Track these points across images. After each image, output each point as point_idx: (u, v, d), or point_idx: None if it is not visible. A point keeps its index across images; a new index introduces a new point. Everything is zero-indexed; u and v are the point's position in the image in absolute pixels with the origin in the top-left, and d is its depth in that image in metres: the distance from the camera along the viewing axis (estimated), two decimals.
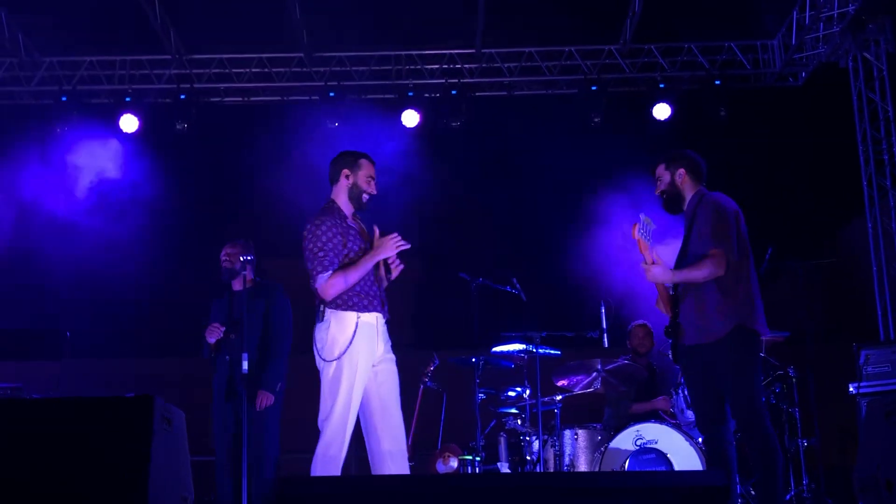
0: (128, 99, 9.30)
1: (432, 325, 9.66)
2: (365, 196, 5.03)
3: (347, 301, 4.88)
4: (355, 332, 4.85)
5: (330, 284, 4.82)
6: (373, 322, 4.92)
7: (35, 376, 7.49)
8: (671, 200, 5.18)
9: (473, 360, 7.14)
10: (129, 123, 9.24)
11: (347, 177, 5.04)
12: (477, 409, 7.04)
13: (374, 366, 4.92)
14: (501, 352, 7.30)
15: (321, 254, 4.83)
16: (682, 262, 5.07)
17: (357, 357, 4.82)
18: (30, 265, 8.64)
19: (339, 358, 4.80)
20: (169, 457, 3.43)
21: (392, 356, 5.05)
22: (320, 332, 4.91)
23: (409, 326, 9.87)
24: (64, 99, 9.24)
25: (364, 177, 5.04)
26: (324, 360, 4.85)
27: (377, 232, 5.06)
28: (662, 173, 5.21)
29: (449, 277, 7.80)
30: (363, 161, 5.08)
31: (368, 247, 4.98)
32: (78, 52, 9.41)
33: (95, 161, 9.08)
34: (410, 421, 7.62)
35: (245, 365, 5.93)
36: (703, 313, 4.92)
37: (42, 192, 8.94)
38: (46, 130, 9.20)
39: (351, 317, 4.87)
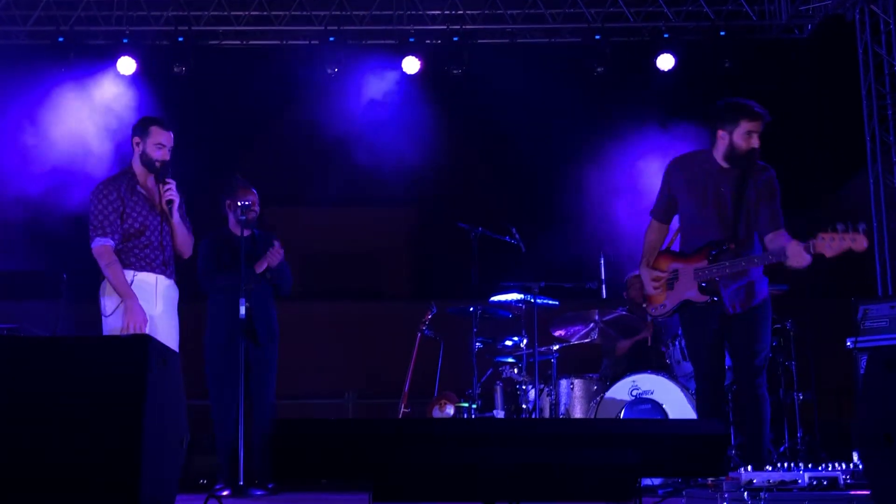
0: (125, 41, 9.17)
1: (430, 274, 9.66)
2: (156, 163, 5.29)
3: (124, 261, 5.22)
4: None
5: (99, 253, 5.18)
6: (150, 281, 5.25)
7: (34, 317, 7.49)
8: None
9: (471, 309, 7.16)
10: (126, 66, 9.12)
11: (137, 144, 5.34)
12: (474, 358, 7.07)
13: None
14: (499, 301, 7.30)
15: (98, 219, 5.19)
16: (742, 225, 4.97)
17: (133, 317, 5.10)
18: (27, 207, 8.58)
19: (112, 313, 5.15)
20: (164, 397, 3.42)
21: (174, 320, 5.36)
22: (102, 288, 5.24)
23: (407, 275, 9.88)
24: (61, 40, 9.11)
25: (152, 144, 5.28)
26: (103, 315, 5.19)
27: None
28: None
29: (447, 226, 7.77)
30: (153, 128, 5.31)
31: (154, 215, 5.30)
32: None
33: (93, 103, 8.98)
34: (407, 368, 7.66)
35: (242, 310, 6.00)
36: (752, 281, 4.96)
37: (37, 134, 8.84)
38: (43, 71, 9.06)
39: (126, 275, 5.19)
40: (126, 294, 5.12)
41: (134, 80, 9.17)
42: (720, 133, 4.99)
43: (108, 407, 3.28)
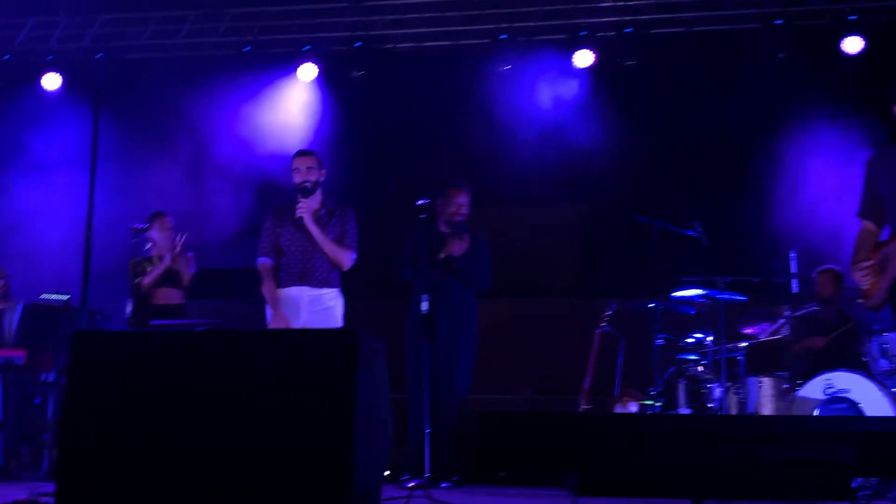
0: (306, 48, 9.53)
1: (604, 270, 9.53)
2: (298, 186, 6.11)
3: (274, 278, 6.09)
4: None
5: (259, 270, 6.11)
6: (292, 295, 6.00)
7: (240, 313, 7.92)
8: None
9: (651, 305, 7.05)
10: (307, 72, 9.48)
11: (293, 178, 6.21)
12: (655, 355, 6.96)
13: None
14: (682, 297, 7.15)
15: (261, 241, 6.16)
16: None
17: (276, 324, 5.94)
18: (220, 208, 9.05)
19: (268, 324, 5.96)
20: (373, 389, 3.53)
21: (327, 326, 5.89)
22: None
23: (580, 272, 9.79)
24: (247, 49, 9.56)
25: (293, 171, 6.16)
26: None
27: None
28: None
29: (621, 221, 7.66)
30: (293, 160, 6.20)
31: (301, 234, 6.03)
32: (258, 4, 9.68)
33: (279, 109, 9.40)
34: (583, 365, 7.61)
35: (424, 305, 6.13)
36: None
37: (229, 141, 9.31)
38: (231, 80, 9.53)
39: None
40: (271, 304, 5.99)
41: (315, 85, 9.52)
42: (894, 109, 4.76)
43: (319, 402, 3.40)
